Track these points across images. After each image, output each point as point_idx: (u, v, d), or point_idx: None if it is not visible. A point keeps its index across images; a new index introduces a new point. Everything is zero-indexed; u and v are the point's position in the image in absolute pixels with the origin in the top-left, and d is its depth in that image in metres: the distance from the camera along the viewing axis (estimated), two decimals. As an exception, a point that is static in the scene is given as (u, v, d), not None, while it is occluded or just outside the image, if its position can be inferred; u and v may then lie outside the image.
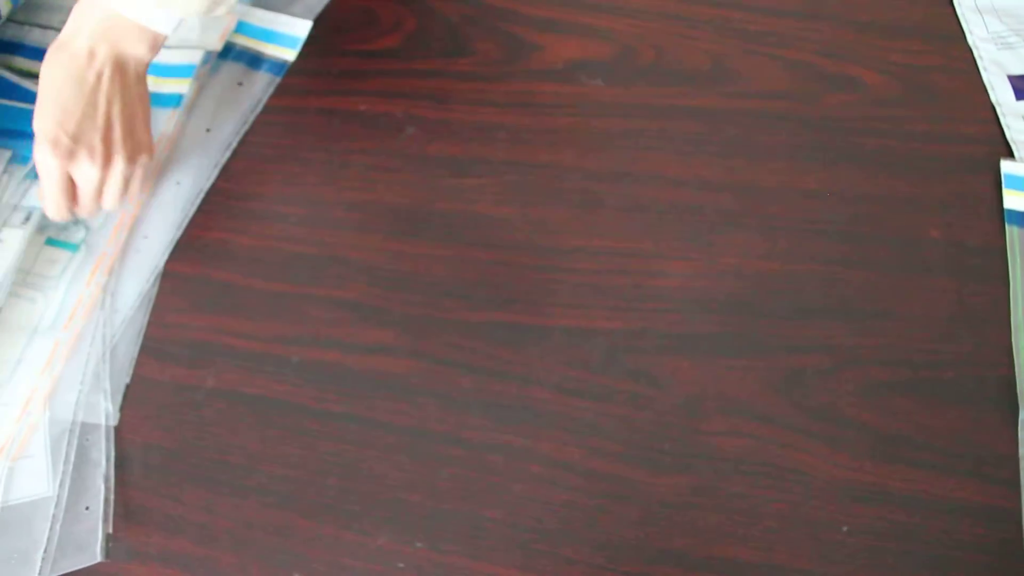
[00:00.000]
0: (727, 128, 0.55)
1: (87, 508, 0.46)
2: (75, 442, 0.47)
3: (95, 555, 0.44)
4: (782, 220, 0.52)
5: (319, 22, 0.60)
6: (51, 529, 0.45)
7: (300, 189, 0.54)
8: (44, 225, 0.52)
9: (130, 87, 0.48)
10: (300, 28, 0.59)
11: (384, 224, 0.53)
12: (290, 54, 0.59)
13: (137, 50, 0.47)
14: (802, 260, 0.50)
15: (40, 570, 0.44)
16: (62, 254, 0.52)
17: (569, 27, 0.60)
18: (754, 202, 0.52)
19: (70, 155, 0.46)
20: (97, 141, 0.47)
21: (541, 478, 0.46)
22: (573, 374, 0.48)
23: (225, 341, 0.50)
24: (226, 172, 0.55)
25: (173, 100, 0.56)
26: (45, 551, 0.44)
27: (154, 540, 0.45)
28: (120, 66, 0.47)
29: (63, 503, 0.46)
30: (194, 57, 0.57)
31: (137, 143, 0.49)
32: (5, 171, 0.53)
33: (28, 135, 0.48)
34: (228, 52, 0.59)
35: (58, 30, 0.47)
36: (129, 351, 0.50)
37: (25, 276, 0.51)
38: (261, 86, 0.58)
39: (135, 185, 0.50)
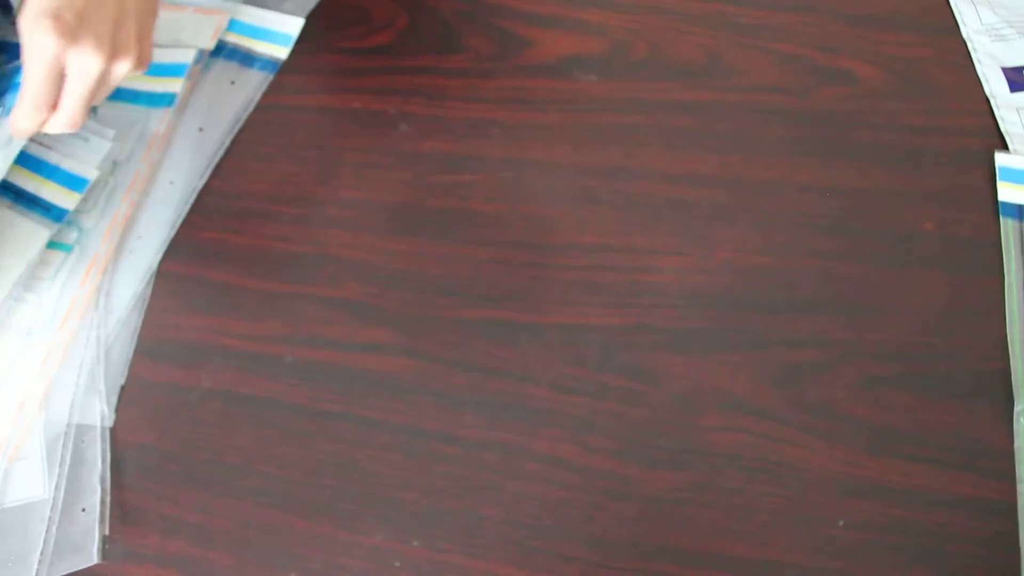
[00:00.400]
0: (721, 123, 0.55)
1: (83, 510, 0.46)
2: (70, 444, 0.47)
3: (92, 557, 0.44)
4: (776, 214, 0.51)
5: (311, 19, 0.59)
6: (47, 531, 0.45)
7: (293, 188, 0.54)
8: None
9: None
10: (292, 26, 0.59)
11: (378, 222, 0.53)
12: (282, 52, 0.59)
13: None
14: (796, 254, 0.50)
15: (37, 572, 0.44)
16: (56, 255, 0.52)
17: (562, 22, 0.60)
18: (748, 197, 0.52)
19: (73, 36, 0.39)
20: (107, 29, 0.40)
21: (537, 475, 0.46)
22: (568, 371, 0.48)
23: (220, 341, 0.50)
24: (219, 171, 0.55)
25: (166, 99, 0.56)
26: (41, 553, 0.44)
27: (150, 541, 0.45)
28: None
29: (59, 505, 0.45)
30: (186, 56, 0.57)
31: (146, 50, 0.44)
32: None
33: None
34: (220, 50, 0.59)
35: None
36: (124, 352, 0.50)
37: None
38: (254, 84, 0.57)
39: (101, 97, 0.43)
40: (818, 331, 0.48)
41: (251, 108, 0.57)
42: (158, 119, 0.56)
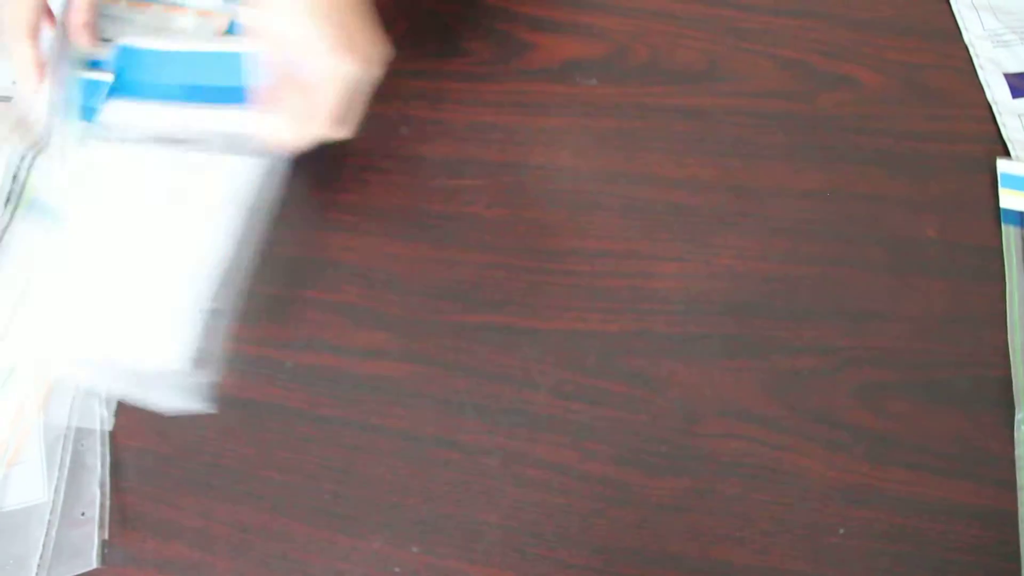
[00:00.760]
0: (722, 128, 0.55)
1: (83, 514, 0.45)
2: (70, 447, 0.47)
3: (91, 561, 0.44)
4: (778, 220, 0.51)
5: (312, 22, 0.59)
6: (46, 535, 0.45)
7: (292, 192, 0.54)
8: None
9: None
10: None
11: (377, 226, 0.53)
12: (283, 55, 0.58)
13: None
14: (798, 261, 0.50)
15: (35, 577, 0.44)
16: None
17: (563, 26, 0.59)
18: (749, 202, 0.52)
19: (352, 56, 0.44)
20: (357, 40, 0.44)
21: (537, 482, 0.45)
22: (569, 376, 0.48)
23: (219, 345, 0.50)
24: (219, 175, 0.55)
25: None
26: (41, 557, 0.44)
27: (150, 546, 0.45)
28: None
29: (58, 509, 0.45)
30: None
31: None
32: None
33: None
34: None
35: None
36: (123, 355, 0.50)
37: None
38: (254, 88, 0.57)
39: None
40: (819, 338, 0.48)
41: (252, 111, 0.56)
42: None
